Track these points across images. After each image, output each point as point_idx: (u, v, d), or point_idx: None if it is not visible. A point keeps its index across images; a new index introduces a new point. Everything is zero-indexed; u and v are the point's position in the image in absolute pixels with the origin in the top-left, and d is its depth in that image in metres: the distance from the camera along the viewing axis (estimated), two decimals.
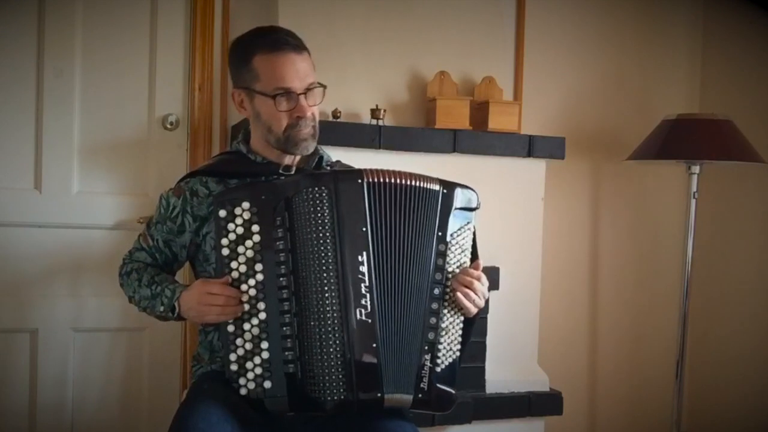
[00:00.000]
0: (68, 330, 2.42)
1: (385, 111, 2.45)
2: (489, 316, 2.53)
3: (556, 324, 2.93)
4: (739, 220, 3.00)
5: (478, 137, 2.50)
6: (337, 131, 2.34)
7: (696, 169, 2.69)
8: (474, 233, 1.70)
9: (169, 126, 2.49)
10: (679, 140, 2.60)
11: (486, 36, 2.70)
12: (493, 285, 2.50)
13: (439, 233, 1.62)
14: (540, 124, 2.83)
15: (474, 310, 1.66)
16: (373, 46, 2.56)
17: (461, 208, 1.66)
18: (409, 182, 1.61)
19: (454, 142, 2.47)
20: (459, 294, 1.63)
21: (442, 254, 1.63)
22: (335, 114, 2.41)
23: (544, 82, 2.90)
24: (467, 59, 2.66)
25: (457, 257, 1.66)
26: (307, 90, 1.68)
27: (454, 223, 1.64)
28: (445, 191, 1.64)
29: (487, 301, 2.52)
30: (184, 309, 1.65)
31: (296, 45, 1.69)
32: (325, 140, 2.24)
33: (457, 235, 1.66)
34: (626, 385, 3.10)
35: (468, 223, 1.67)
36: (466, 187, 1.68)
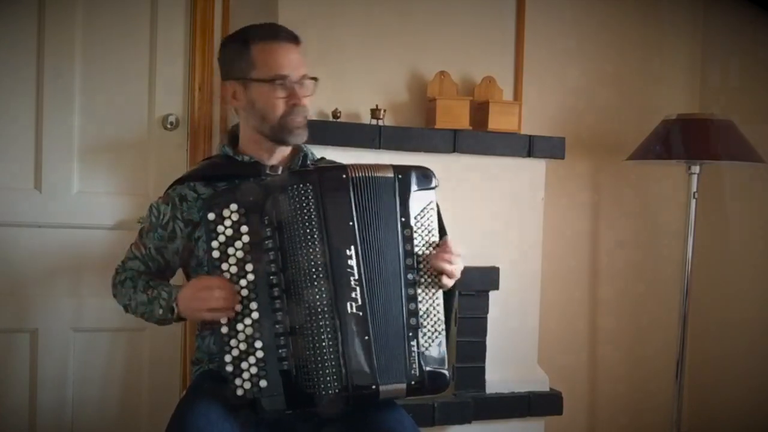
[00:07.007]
0: (68, 330, 2.42)
1: (385, 111, 2.45)
2: (489, 316, 2.53)
3: (556, 324, 2.93)
4: (739, 220, 2.99)
5: (478, 137, 2.51)
6: (337, 131, 2.34)
7: (696, 169, 2.69)
8: (438, 211, 1.70)
9: (169, 126, 2.49)
10: (679, 140, 2.60)
11: (486, 36, 2.71)
12: (493, 285, 2.51)
13: (402, 219, 1.63)
14: (540, 124, 2.83)
15: (450, 283, 1.67)
16: (373, 46, 2.56)
17: (419, 190, 1.66)
18: (369, 174, 1.62)
19: (454, 142, 2.47)
20: (438, 264, 1.63)
21: (409, 239, 1.63)
22: (335, 114, 2.41)
23: (544, 82, 2.89)
24: (467, 59, 2.66)
25: (424, 239, 1.66)
26: (301, 80, 1.73)
27: (415, 206, 1.65)
28: (400, 176, 1.64)
29: (486, 302, 2.54)
30: (182, 308, 1.66)
31: (293, 36, 1.75)
32: (325, 140, 2.24)
33: (421, 217, 1.66)
34: (626, 385, 3.10)
35: (430, 203, 1.67)
36: (421, 167, 1.69)
